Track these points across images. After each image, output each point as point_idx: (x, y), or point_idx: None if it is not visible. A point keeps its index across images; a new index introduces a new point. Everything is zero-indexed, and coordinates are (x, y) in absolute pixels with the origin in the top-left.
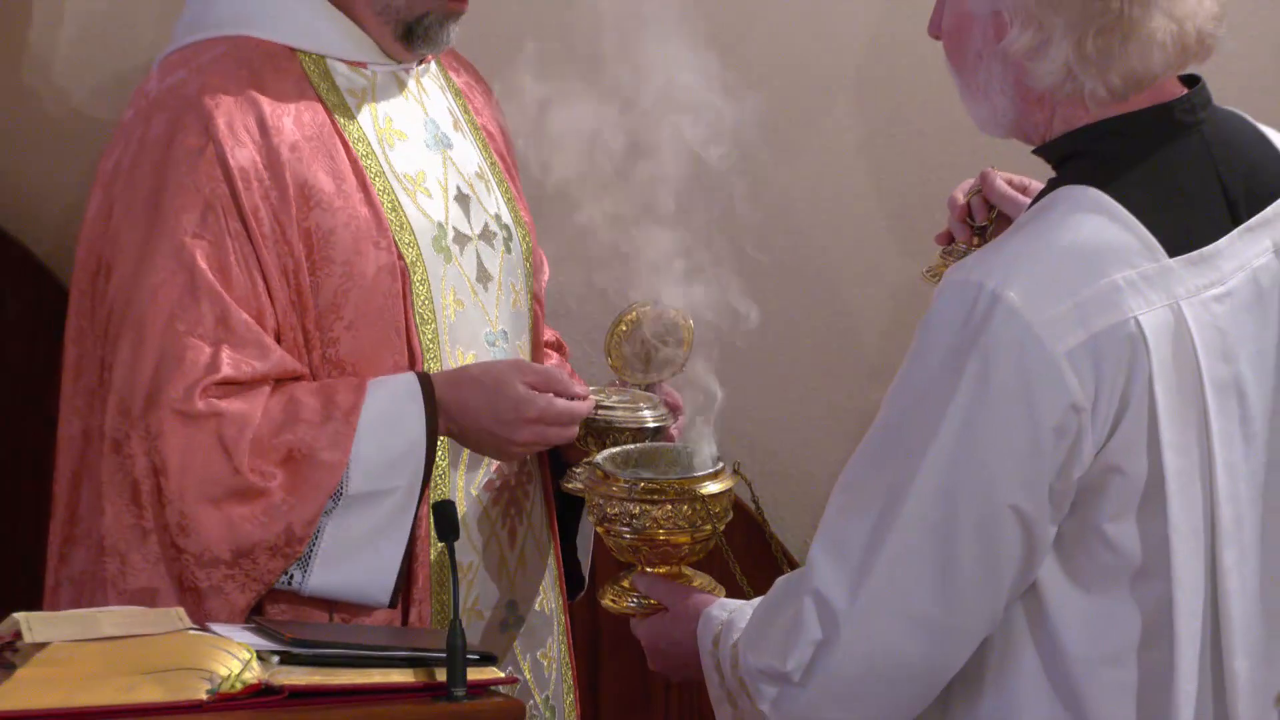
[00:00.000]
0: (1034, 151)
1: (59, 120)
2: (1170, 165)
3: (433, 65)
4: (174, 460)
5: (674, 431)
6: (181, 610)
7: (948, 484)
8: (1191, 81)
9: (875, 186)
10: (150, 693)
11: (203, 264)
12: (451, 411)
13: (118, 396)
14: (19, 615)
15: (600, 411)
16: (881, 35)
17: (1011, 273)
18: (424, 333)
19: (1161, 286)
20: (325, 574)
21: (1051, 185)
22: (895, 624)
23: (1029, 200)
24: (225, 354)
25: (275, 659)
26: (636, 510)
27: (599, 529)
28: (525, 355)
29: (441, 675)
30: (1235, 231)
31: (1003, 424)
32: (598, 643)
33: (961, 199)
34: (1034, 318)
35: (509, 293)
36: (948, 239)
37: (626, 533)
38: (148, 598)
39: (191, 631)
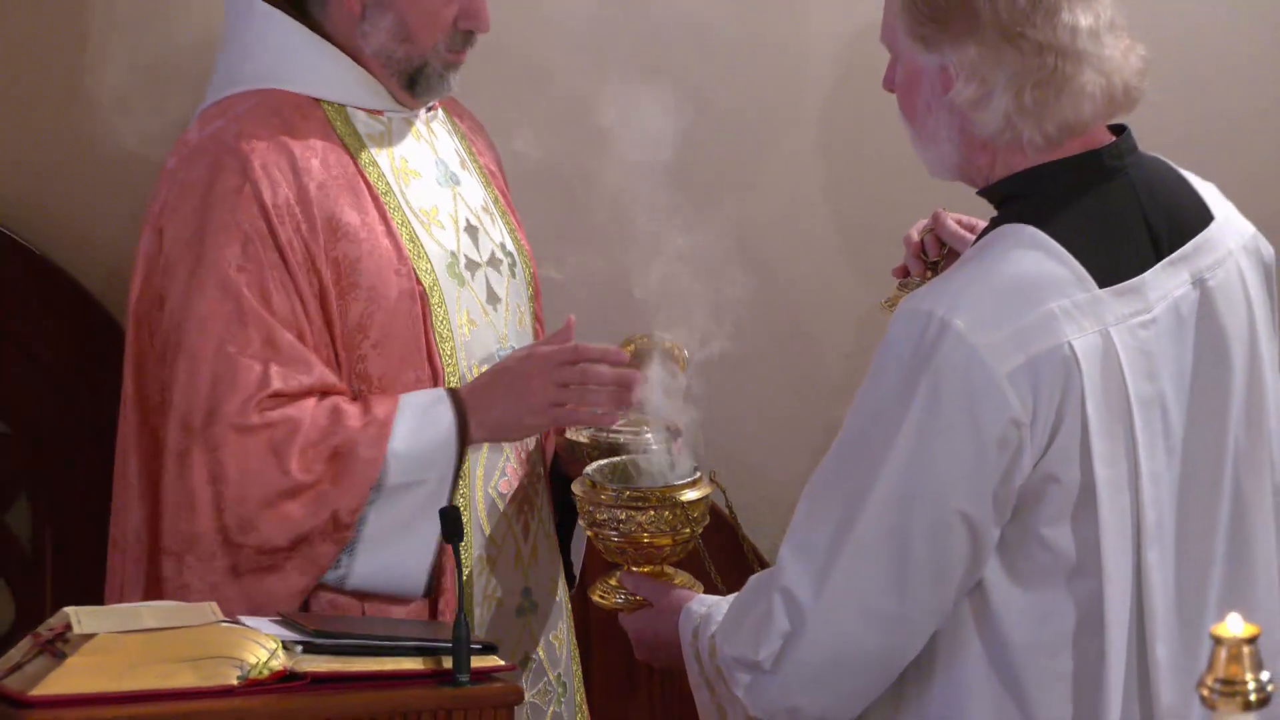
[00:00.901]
0: (978, 193)
1: (106, 162)
2: (1099, 205)
3: (440, 112)
4: (233, 469)
5: (673, 453)
6: (215, 604)
7: (902, 491)
8: (1119, 130)
9: (837, 224)
10: (186, 678)
11: (247, 292)
12: (476, 401)
13: (178, 414)
14: (69, 609)
15: (609, 434)
16: (844, 76)
17: (958, 302)
18: (443, 350)
19: (1092, 314)
20: (368, 559)
21: (994, 223)
22: (855, 617)
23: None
24: (274, 370)
25: (299, 648)
26: (623, 516)
27: (589, 532)
28: None
29: (448, 663)
30: (1158, 265)
31: (951, 437)
32: (588, 634)
33: (916, 236)
34: (978, 342)
35: (515, 312)
36: (904, 273)
37: (614, 536)
38: (204, 593)
39: (223, 624)
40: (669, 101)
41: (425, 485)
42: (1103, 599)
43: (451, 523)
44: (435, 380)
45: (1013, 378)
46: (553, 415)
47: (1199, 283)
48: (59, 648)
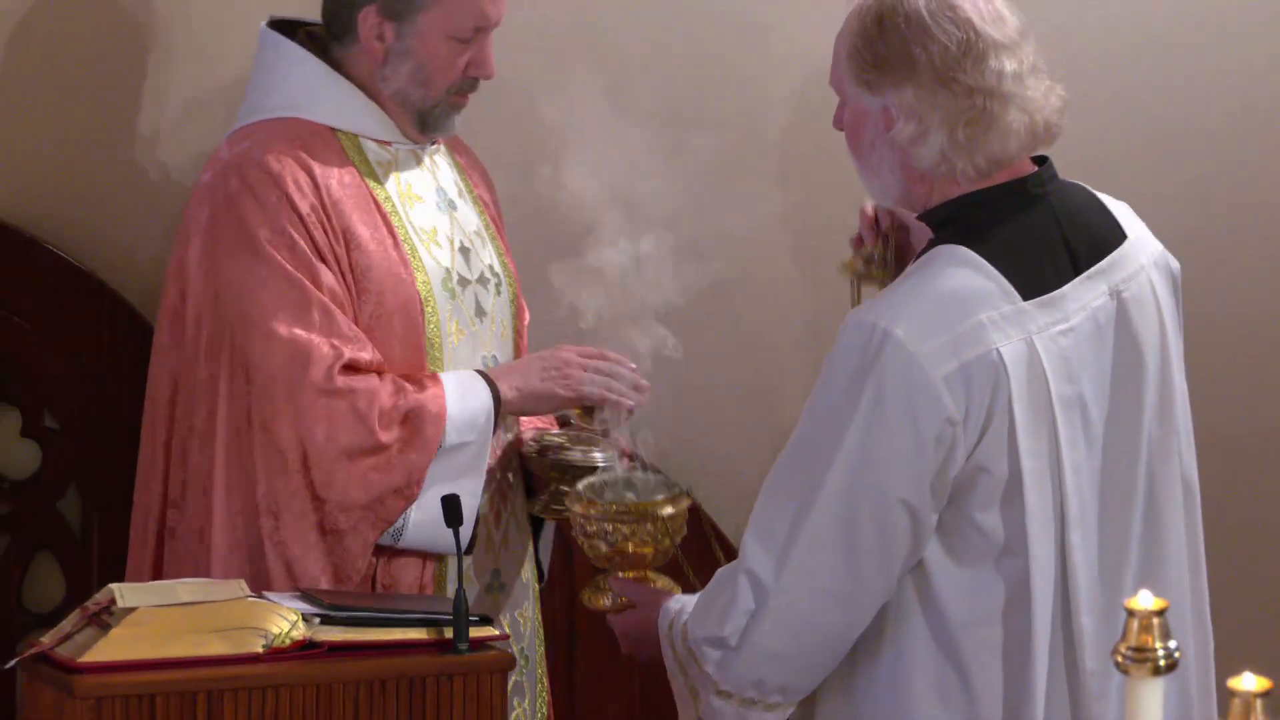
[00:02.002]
0: (917, 217)
1: (146, 190)
2: (1024, 227)
3: (442, 147)
4: (319, 431)
5: (620, 471)
6: (243, 581)
7: (851, 483)
8: (1042, 160)
9: (793, 243)
10: (216, 647)
11: (306, 280)
12: (505, 377)
13: (259, 388)
14: (114, 586)
15: (559, 454)
16: (802, 100)
17: (899, 314)
18: (432, 354)
19: (1017, 324)
20: (424, 515)
21: (931, 244)
22: (812, 595)
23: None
24: (341, 345)
25: (316, 620)
26: (611, 528)
27: (581, 541)
28: None
29: (448, 633)
30: (1076, 280)
31: (893, 435)
32: (572, 626)
33: (870, 210)
34: (917, 349)
35: (499, 326)
36: (859, 242)
37: (603, 545)
38: (298, 545)
39: (250, 598)
40: (634, 126)
41: (471, 446)
42: (1029, 576)
43: (452, 510)
44: None
45: (948, 381)
46: (583, 392)
47: (1115, 294)
48: (104, 620)
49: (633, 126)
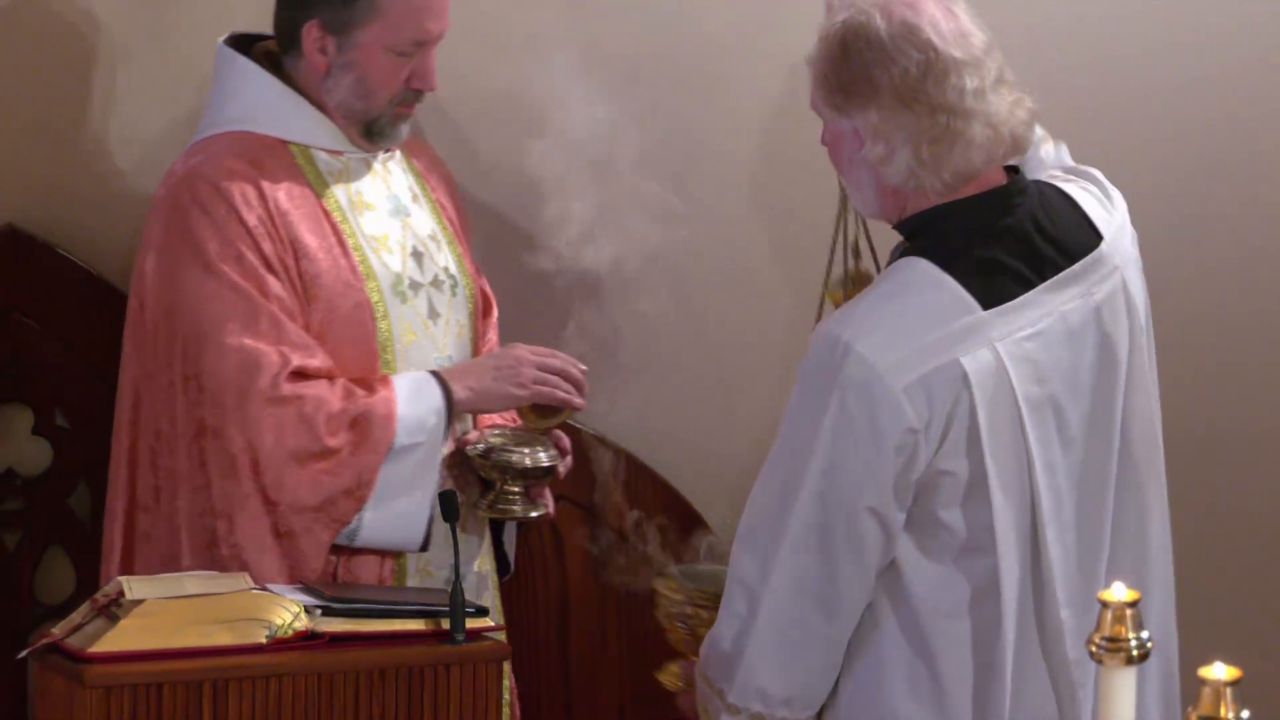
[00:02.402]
0: (893, 227)
1: (146, 196)
2: (990, 238)
3: (397, 153)
4: (269, 436)
5: (561, 470)
6: (248, 574)
7: (822, 489)
8: (1014, 169)
9: (770, 250)
10: (222, 637)
11: (253, 290)
12: (458, 378)
13: (210, 396)
14: (122, 578)
15: (500, 455)
16: (782, 110)
17: (861, 328)
18: (384, 357)
19: (978, 333)
20: (377, 514)
21: (900, 254)
22: (797, 598)
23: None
24: (289, 352)
25: (318, 611)
26: (690, 611)
27: (665, 624)
28: None
29: (446, 624)
30: (1042, 286)
31: (858, 446)
32: (566, 608)
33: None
34: (877, 361)
35: (455, 326)
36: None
37: (682, 629)
38: (252, 547)
39: (254, 590)
40: (614, 125)
41: (423, 446)
42: (998, 571)
43: (449, 505)
44: None
45: (908, 391)
46: (535, 391)
47: (1087, 297)
48: (114, 611)
49: (617, 130)
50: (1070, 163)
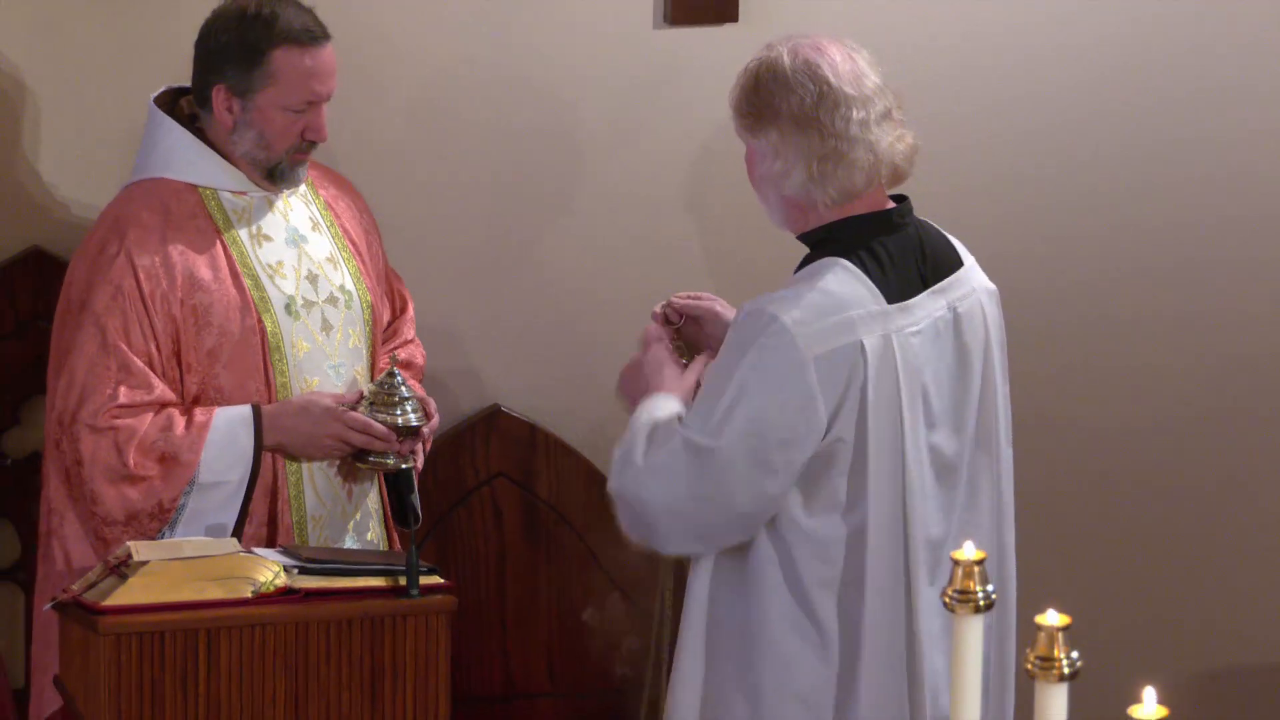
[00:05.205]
0: (797, 238)
1: None
2: (887, 248)
3: (301, 188)
4: (87, 455)
5: (425, 431)
6: (236, 540)
7: (737, 406)
8: (901, 198)
9: (701, 245)
10: (215, 592)
11: (111, 328)
12: (275, 424)
13: (56, 412)
14: (130, 543)
15: (373, 416)
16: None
17: (787, 305)
18: (279, 368)
19: (881, 322)
20: (186, 528)
21: (807, 260)
22: (741, 470)
23: (704, 303)
24: (122, 390)
25: (295, 571)
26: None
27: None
28: (363, 377)
29: (403, 581)
30: (925, 293)
31: (771, 392)
32: (504, 564)
33: (659, 310)
34: (797, 332)
35: (347, 336)
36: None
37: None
38: (77, 544)
39: (241, 553)
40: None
41: (229, 484)
42: (867, 529)
43: (407, 481)
44: (270, 391)
45: (817, 361)
46: (329, 455)
47: (952, 308)
48: (123, 571)
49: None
50: None
